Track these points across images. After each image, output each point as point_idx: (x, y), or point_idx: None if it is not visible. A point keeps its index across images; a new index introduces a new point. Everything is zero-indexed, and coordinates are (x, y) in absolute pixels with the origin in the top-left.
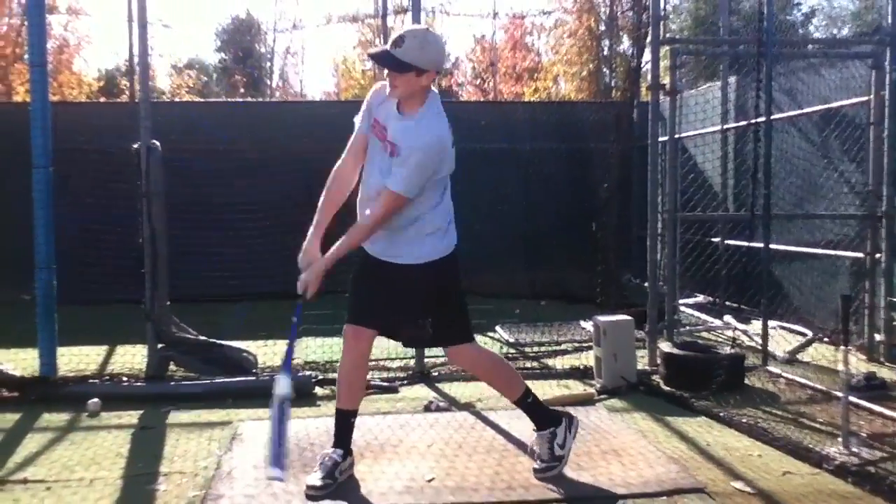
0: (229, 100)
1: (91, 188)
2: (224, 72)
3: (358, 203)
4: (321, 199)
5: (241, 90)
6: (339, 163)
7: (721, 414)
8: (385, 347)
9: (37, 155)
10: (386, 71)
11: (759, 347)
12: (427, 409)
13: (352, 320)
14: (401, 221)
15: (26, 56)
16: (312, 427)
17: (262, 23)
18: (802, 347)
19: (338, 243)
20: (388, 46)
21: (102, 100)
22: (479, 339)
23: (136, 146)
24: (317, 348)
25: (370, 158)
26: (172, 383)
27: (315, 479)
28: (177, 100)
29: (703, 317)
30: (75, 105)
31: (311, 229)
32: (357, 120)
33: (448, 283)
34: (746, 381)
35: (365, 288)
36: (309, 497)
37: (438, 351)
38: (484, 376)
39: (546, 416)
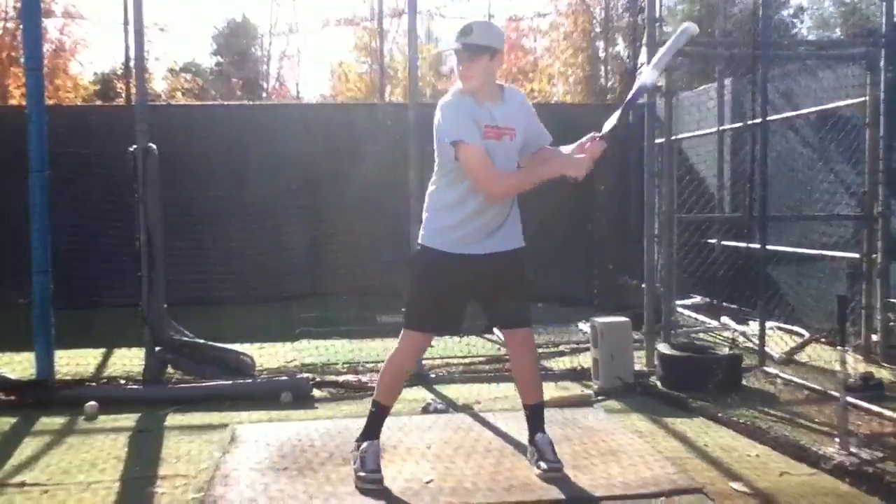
0: (224, 102)
1: (87, 191)
2: (220, 75)
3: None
4: (519, 174)
5: (238, 93)
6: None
7: (718, 414)
8: (382, 349)
9: (33, 159)
10: (459, 69)
11: (757, 348)
12: (425, 410)
13: (431, 329)
14: (515, 201)
15: (22, 60)
16: (312, 429)
17: (258, 26)
18: (799, 348)
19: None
20: (457, 41)
21: (98, 103)
22: (477, 340)
23: (132, 149)
24: (313, 350)
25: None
26: (170, 386)
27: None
28: (173, 102)
29: (701, 318)
30: (71, 108)
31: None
32: (469, 136)
33: None
34: (744, 382)
35: (468, 295)
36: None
37: (435, 352)
38: (533, 366)
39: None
